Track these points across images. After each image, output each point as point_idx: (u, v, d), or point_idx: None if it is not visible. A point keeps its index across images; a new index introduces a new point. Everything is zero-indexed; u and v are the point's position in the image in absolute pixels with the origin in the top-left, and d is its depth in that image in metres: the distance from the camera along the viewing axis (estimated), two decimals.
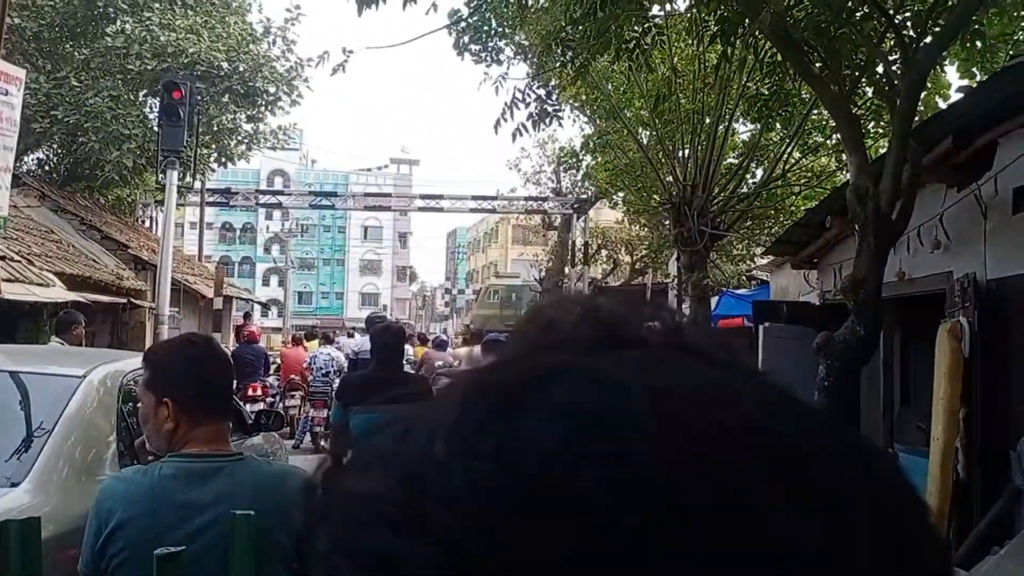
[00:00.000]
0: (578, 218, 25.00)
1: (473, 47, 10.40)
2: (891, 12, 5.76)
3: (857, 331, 4.11)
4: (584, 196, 24.27)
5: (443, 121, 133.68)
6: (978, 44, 6.78)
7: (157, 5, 16.46)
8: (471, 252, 70.44)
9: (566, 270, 26.33)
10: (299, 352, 13.33)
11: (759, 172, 12.50)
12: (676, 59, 10.52)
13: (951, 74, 9.55)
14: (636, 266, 28.41)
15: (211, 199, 24.29)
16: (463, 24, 9.81)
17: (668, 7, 9.04)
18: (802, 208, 12.09)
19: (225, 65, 16.40)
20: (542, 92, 8.40)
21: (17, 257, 9.46)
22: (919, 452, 5.76)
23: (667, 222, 12.52)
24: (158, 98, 13.23)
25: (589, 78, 9.47)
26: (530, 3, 8.93)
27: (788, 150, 11.16)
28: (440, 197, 26.30)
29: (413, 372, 10.70)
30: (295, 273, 53.88)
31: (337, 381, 11.63)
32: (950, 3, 5.33)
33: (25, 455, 3.35)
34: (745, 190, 11.88)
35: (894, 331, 7.25)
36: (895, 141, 4.40)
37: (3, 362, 4.20)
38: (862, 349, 4.26)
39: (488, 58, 10.74)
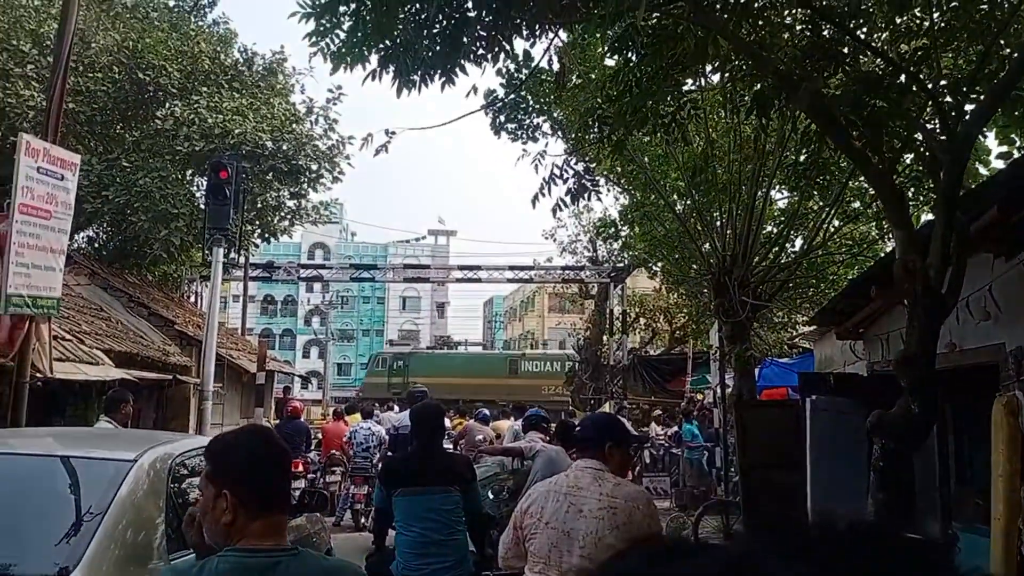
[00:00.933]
0: (615, 287, 24.98)
1: (509, 126, 10.61)
2: (929, 84, 5.79)
3: (912, 409, 4.01)
4: (621, 265, 24.28)
5: (480, 191, 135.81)
6: (1017, 112, 6.75)
7: (205, 89, 17.11)
8: (508, 321, 70.50)
9: (604, 339, 26.19)
10: (340, 427, 13.33)
11: (799, 241, 12.42)
12: (712, 131, 10.60)
13: (990, 140, 9.49)
14: (676, 334, 28.18)
15: (254, 273, 24.75)
16: (499, 104, 10.04)
17: (702, 81, 9.17)
18: (845, 277, 11.94)
19: (269, 144, 16.90)
20: (580, 167, 8.50)
21: (68, 336, 9.68)
22: (978, 531, 5.54)
23: (706, 291, 12.45)
24: (205, 177, 13.63)
25: (625, 151, 9.57)
26: (568, 82, 9.12)
27: (828, 218, 11.10)
28: (478, 268, 26.55)
29: (453, 448, 10.65)
30: (335, 345, 54.35)
31: (378, 455, 11.62)
32: (987, 71, 5.34)
33: (76, 540, 3.36)
34: (785, 259, 11.79)
35: (946, 404, 7.06)
36: (940, 214, 4.37)
37: (55, 446, 4.28)
38: (918, 428, 4.15)
39: (524, 135, 10.94)
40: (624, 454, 3.45)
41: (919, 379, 4.04)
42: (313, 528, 6.04)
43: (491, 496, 7.12)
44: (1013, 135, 7.79)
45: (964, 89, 5.26)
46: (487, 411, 12.67)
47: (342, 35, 6.05)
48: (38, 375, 7.61)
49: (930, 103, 5.04)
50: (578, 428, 3.86)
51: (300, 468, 11.68)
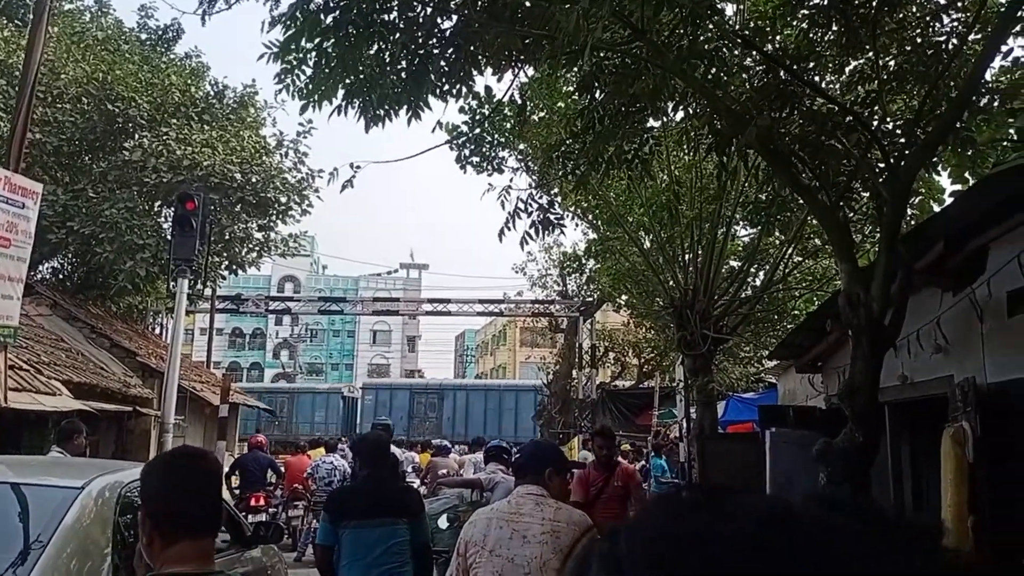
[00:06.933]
0: (584, 321, 25.12)
1: (474, 159, 10.71)
2: (876, 123, 5.98)
3: (856, 437, 4.10)
4: (590, 299, 24.43)
5: (452, 225, 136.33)
6: (968, 151, 6.98)
7: (175, 121, 17.07)
8: (480, 355, 70.33)
9: (574, 373, 26.25)
10: (302, 460, 13.19)
11: (760, 275, 12.61)
12: (675, 168, 10.80)
13: (944, 180, 9.75)
14: (644, 368, 28.33)
15: (221, 306, 24.55)
16: (464, 139, 10.15)
17: (664, 119, 9.37)
18: (804, 311, 12.14)
19: (238, 176, 16.81)
20: (544, 201, 8.62)
21: (25, 366, 9.53)
22: None
23: (671, 325, 12.58)
24: (172, 209, 13.52)
25: (590, 186, 9.69)
26: (531, 117, 9.26)
27: (788, 253, 11.31)
28: (448, 301, 26.57)
29: (419, 484, 10.59)
30: (304, 379, 53.83)
31: None
32: (938, 112, 5.53)
33: (21, 569, 3.32)
34: (748, 293, 11.96)
35: (902, 437, 7.17)
36: (883, 248, 4.51)
37: (3, 473, 4.22)
38: (862, 456, 4.23)
39: (490, 168, 11.04)
40: (563, 480, 3.49)
41: (863, 409, 4.13)
42: (269, 561, 5.98)
43: (446, 525, 7.06)
44: (966, 173, 8.05)
45: (911, 129, 5.46)
46: (448, 443, 12.61)
47: (308, 71, 6.12)
48: None
49: (874, 144, 5.21)
50: (517, 455, 3.87)
51: (261, 502, 11.53)
